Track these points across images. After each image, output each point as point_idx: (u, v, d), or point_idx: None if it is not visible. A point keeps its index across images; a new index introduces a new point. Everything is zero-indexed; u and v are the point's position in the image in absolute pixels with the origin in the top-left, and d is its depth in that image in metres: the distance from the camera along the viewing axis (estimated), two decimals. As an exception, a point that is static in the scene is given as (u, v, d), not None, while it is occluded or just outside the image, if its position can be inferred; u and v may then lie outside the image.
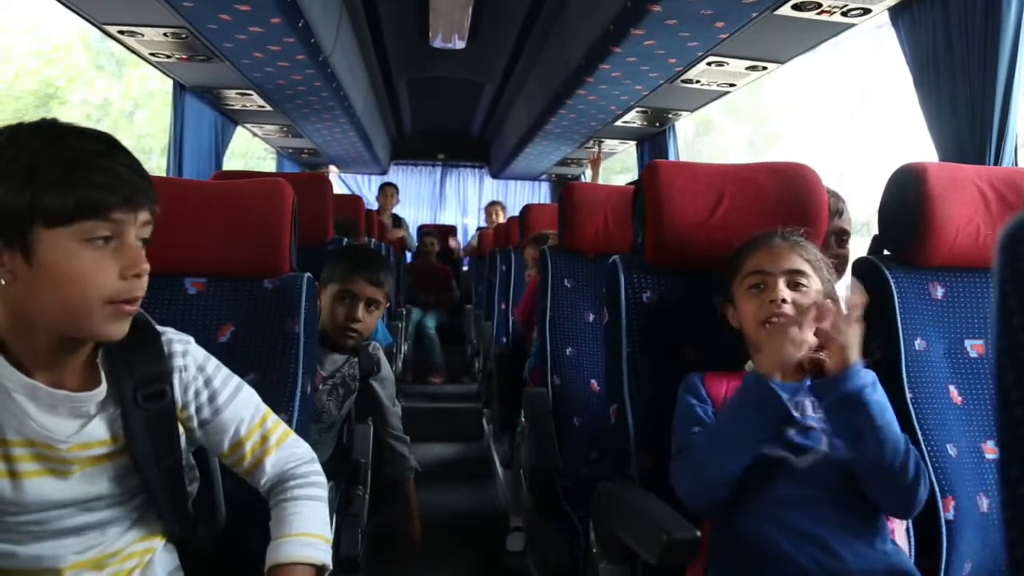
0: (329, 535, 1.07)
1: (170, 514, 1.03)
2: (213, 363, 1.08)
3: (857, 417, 1.15)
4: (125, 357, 0.97)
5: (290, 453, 1.11)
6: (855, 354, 1.17)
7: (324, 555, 1.03)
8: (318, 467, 1.14)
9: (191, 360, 1.05)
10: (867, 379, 1.17)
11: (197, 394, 1.04)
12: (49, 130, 0.86)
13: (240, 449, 1.07)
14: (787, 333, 1.18)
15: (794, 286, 1.29)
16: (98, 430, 0.94)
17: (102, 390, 0.95)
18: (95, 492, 0.95)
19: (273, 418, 1.12)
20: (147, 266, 0.90)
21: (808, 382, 1.28)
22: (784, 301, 1.26)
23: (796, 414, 1.22)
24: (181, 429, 1.05)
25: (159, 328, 1.04)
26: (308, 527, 1.04)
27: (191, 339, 1.07)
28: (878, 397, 1.17)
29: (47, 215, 0.82)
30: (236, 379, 1.10)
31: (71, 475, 0.93)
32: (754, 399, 1.19)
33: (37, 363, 0.91)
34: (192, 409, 1.04)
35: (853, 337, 1.17)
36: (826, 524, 1.15)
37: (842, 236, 1.81)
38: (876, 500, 1.19)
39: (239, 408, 1.07)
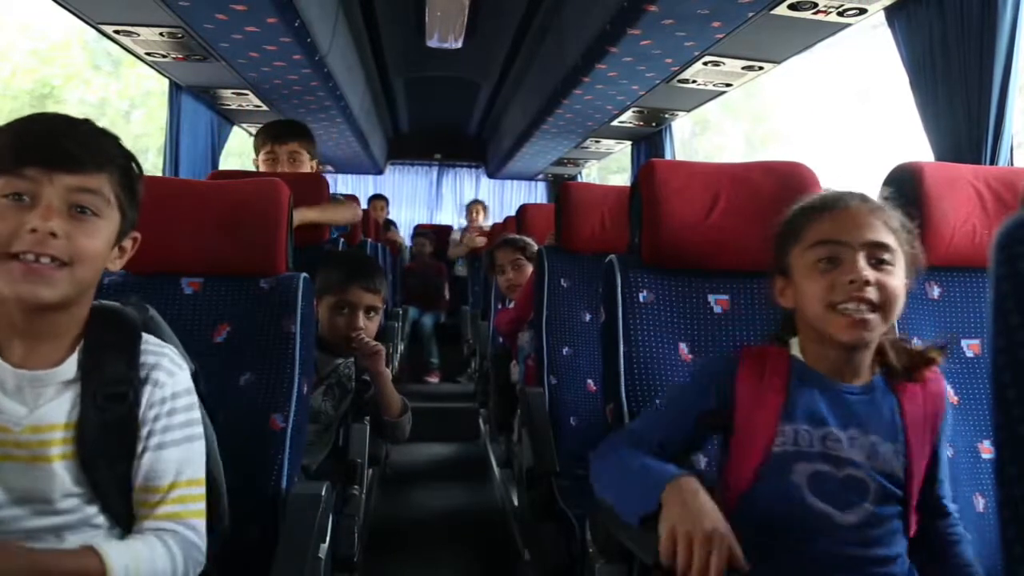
0: None
1: (128, 523, 0.96)
2: (190, 400, 1.00)
3: None
4: (101, 353, 0.94)
5: (182, 536, 0.94)
6: None
7: None
8: (199, 555, 0.97)
9: (172, 384, 0.98)
10: None
11: (156, 418, 0.96)
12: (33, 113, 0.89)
13: (146, 498, 0.95)
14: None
15: (877, 263, 1.00)
16: (51, 414, 0.90)
17: (64, 371, 0.92)
18: (42, 490, 0.89)
19: (200, 491, 0.98)
20: (50, 224, 0.84)
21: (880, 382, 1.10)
22: (867, 283, 0.98)
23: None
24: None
25: (149, 337, 0.99)
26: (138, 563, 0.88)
27: (184, 366, 1.02)
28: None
29: None
30: (199, 431, 1.00)
31: (20, 461, 0.88)
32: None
33: (12, 339, 0.90)
34: (144, 430, 0.96)
35: None
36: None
37: None
38: None
39: (179, 457, 0.96)
